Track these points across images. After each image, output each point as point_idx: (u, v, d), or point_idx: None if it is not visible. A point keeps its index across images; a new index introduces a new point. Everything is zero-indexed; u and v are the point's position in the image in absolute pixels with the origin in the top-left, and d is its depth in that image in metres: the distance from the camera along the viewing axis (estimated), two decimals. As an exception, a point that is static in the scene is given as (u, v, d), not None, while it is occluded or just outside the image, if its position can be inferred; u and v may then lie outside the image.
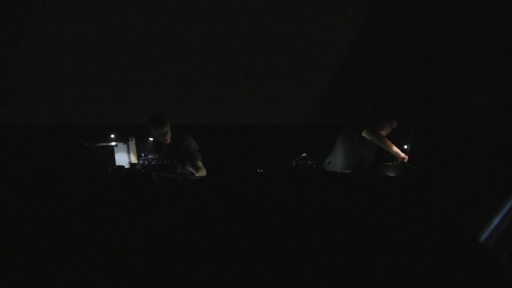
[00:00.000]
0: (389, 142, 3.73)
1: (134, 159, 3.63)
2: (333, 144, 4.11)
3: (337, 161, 3.98)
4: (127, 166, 3.47)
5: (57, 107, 4.88)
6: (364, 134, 3.82)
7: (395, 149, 3.72)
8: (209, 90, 4.93)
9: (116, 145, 3.42)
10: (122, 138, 3.63)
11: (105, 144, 3.43)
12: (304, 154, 3.62)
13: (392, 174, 3.41)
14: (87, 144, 3.44)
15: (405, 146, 3.67)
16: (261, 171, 3.41)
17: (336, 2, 4.53)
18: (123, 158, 3.56)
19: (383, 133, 3.89)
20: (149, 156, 3.51)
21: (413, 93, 4.82)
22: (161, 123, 3.84)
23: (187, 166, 3.76)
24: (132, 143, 3.69)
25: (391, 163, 3.53)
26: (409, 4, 4.55)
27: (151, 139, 3.87)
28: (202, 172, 3.88)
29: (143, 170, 3.26)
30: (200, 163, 4.00)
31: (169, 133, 3.93)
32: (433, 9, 4.54)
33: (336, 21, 4.57)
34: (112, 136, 3.64)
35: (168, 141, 3.98)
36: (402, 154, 3.69)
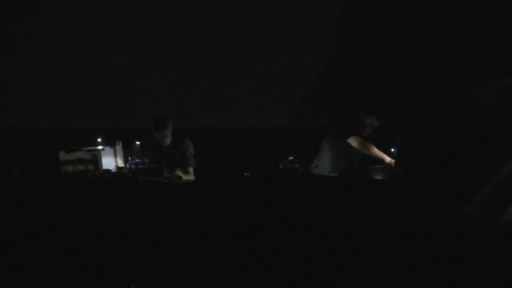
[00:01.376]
0: (374, 149, 3.76)
1: (121, 163, 3.60)
2: (319, 147, 4.11)
3: (324, 164, 3.99)
4: (114, 170, 3.45)
5: (41, 110, 4.86)
6: (349, 141, 3.84)
7: (381, 154, 3.75)
8: (193, 93, 5.00)
9: (102, 149, 3.43)
10: (109, 142, 3.60)
11: (91, 148, 3.43)
12: (291, 158, 3.56)
13: (379, 177, 3.46)
14: (73, 148, 3.43)
15: (392, 149, 3.69)
16: (248, 174, 3.43)
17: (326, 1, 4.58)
18: (110, 162, 3.55)
19: (366, 131, 3.92)
20: (136, 160, 3.47)
21: (402, 93, 4.89)
22: (164, 125, 3.88)
23: (177, 171, 3.78)
24: (119, 147, 3.65)
25: (378, 166, 3.59)
26: (406, 1, 4.62)
27: (138, 143, 3.86)
28: (190, 178, 3.89)
29: (130, 174, 3.27)
30: (191, 169, 4.02)
31: (169, 136, 3.94)
32: (430, 6, 4.63)
33: (324, 21, 4.67)
34: (99, 140, 3.58)
35: (168, 143, 3.99)
36: (388, 159, 3.71)
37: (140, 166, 3.39)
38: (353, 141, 3.80)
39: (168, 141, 3.97)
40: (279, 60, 4.84)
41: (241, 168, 3.65)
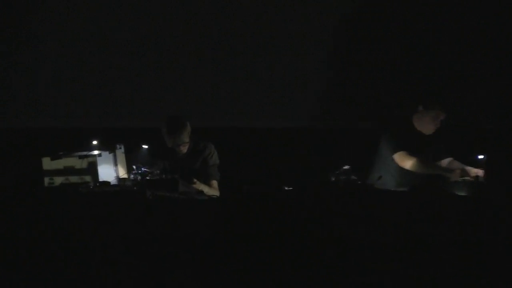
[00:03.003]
0: (433, 166, 3.50)
1: (123, 173, 3.30)
2: (377, 151, 3.72)
3: (388, 175, 3.55)
4: (113, 182, 3.16)
5: (20, 106, 4.69)
6: (396, 159, 3.49)
7: (452, 168, 3.45)
8: (210, 90, 4.91)
9: (99, 155, 3.18)
10: (107, 146, 3.33)
11: (85, 153, 3.19)
12: (346, 167, 3.14)
13: (463, 193, 3.03)
14: (61, 153, 3.22)
15: (480, 156, 3.26)
16: (290, 189, 3.03)
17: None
18: (109, 171, 3.27)
19: (430, 129, 3.53)
20: (143, 169, 3.17)
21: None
22: (179, 130, 3.54)
23: (196, 184, 3.39)
24: (121, 152, 3.35)
25: (461, 179, 3.21)
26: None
27: (145, 146, 3.52)
28: (214, 193, 3.53)
29: (134, 188, 3.02)
30: (215, 184, 3.64)
31: (187, 143, 3.62)
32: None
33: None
34: (95, 142, 3.31)
35: (185, 151, 3.65)
36: (474, 170, 3.32)
37: (148, 177, 3.13)
38: (400, 160, 3.45)
39: (185, 149, 3.63)
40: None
41: (280, 180, 3.39)
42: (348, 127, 4.85)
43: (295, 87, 4.93)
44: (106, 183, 3.03)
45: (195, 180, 3.41)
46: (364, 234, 2.31)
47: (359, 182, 3.09)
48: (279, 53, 4.84)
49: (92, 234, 2.41)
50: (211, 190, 3.53)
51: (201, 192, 3.23)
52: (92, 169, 3.12)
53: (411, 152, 3.46)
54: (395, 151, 3.47)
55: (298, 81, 4.90)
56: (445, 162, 3.58)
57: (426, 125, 3.54)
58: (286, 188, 3.08)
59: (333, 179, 3.08)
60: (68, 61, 4.72)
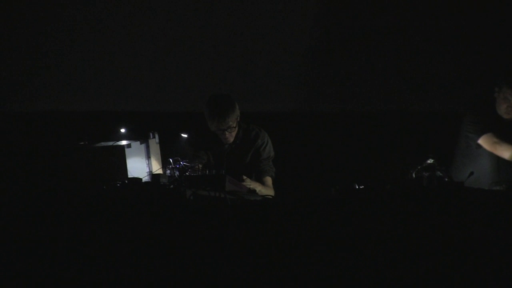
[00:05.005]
0: None
1: (157, 168, 3.11)
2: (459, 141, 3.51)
3: (481, 170, 3.29)
4: (146, 178, 2.95)
5: (35, 87, 4.49)
6: (482, 144, 3.35)
7: None
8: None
9: (128, 145, 2.92)
10: (138, 134, 3.14)
11: (111, 143, 2.96)
12: (430, 161, 2.80)
13: None
14: (82, 143, 3.00)
15: None
16: (361, 187, 2.72)
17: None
18: (140, 165, 3.06)
19: (506, 115, 3.34)
20: (182, 163, 2.93)
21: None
22: (224, 112, 3.19)
23: (246, 181, 3.08)
24: (154, 142, 3.14)
25: None
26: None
27: (184, 135, 3.30)
28: (268, 192, 3.19)
29: (171, 186, 2.69)
30: (269, 181, 3.33)
31: (233, 129, 3.26)
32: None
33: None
34: (123, 131, 3.17)
35: (231, 140, 3.30)
36: None
37: (188, 173, 2.92)
38: (486, 144, 3.29)
39: (231, 136, 3.28)
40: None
41: (349, 176, 3.21)
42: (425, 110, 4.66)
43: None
44: (137, 180, 2.67)
45: (245, 177, 3.12)
46: (456, 240, 2.13)
47: (446, 180, 2.77)
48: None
49: (119, 242, 2.22)
50: (265, 188, 3.24)
51: (253, 191, 3.05)
52: (119, 162, 2.84)
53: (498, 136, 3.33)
54: (481, 134, 3.32)
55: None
56: None
57: (500, 107, 3.35)
58: (357, 187, 2.75)
59: (414, 175, 2.79)
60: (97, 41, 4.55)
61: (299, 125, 4.64)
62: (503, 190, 3.09)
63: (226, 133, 3.23)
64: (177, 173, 2.89)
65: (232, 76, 4.69)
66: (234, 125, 3.25)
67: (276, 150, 3.51)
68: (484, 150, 3.35)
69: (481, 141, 3.30)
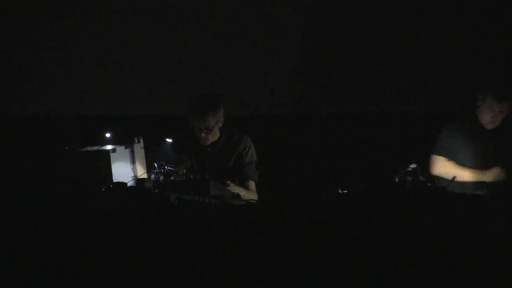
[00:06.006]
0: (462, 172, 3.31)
1: (142, 172, 3.05)
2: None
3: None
4: (131, 183, 2.90)
5: (23, 91, 4.51)
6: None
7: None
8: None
9: (113, 150, 2.91)
10: (123, 139, 3.10)
11: (96, 148, 2.95)
12: (413, 165, 2.79)
13: None
14: (67, 148, 2.99)
15: None
16: (344, 192, 2.77)
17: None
18: (125, 170, 3.00)
19: (490, 125, 3.34)
20: (167, 168, 2.93)
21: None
22: (205, 109, 3.19)
23: (230, 186, 3.07)
24: (139, 147, 3.11)
25: None
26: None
27: (169, 140, 3.27)
28: (252, 197, 3.20)
29: (156, 190, 2.74)
30: (253, 185, 3.32)
31: (212, 131, 3.25)
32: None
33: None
34: (108, 135, 3.13)
35: (207, 142, 3.29)
36: None
37: (172, 178, 2.92)
38: (435, 166, 3.38)
39: (207, 139, 3.28)
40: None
41: (333, 181, 2.93)
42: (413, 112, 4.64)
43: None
44: (121, 185, 2.70)
45: (229, 182, 3.10)
46: (437, 244, 2.14)
47: (429, 184, 2.81)
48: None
49: (103, 247, 2.22)
50: (249, 193, 3.21)
51: (237, 195, 3.00)
52: (104, 167, 2.82)
53: (448, 157, 3.38)
54: (433, 152, 3.41)
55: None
56: None
57: (483, 116, 3.34)
58: (341, 191, 2.79)
59: (397, 180, 2.78)
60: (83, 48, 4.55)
61: (288, 128, 4.59)
62: (485, 195, 3.06)
63: (202, 133, 3.22)
64: (161, 177, 2.88)
65: (220, 79, 4.65)
66: (212, 127, 3.23)
67: (262, 153, 3.50)
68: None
69: (432, 160, 3.39)
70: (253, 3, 4.63)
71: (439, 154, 3.35)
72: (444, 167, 3.30)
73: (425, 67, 4.60)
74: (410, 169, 2.79)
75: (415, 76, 4.59)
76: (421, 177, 2.74)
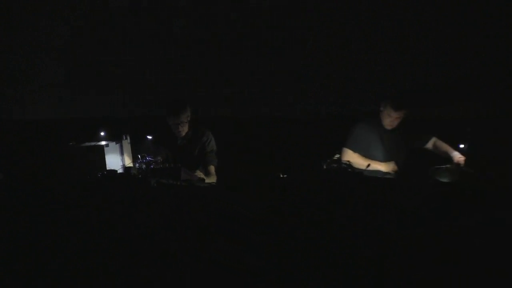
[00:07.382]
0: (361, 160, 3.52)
1: (128, 162, 3.30)
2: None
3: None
4: (120, 170, 3.12)
5: (32, 99, 4.53)
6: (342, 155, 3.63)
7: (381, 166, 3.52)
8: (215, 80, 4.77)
9: (106, 145, 3.14)
10: (114, 136, 3.34)
11: (93, 143, 3.18)
12: (337, 155, 3.29)
13: (445, 180, 3.02)
14: (70, 143, 3.19)
15: (462, 145, 3.27)
16: (284, 176, 3.03)
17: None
18: (116, 160, 3.25)
19: (387, 124, 3.60)
20: (148, 159, 3.13)
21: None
22: (179, 110, 3.55)
23: (196, 172, 3.40)
24: (127, 142, 3.36)
25: (444, 167, 3.09)
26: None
27: (149, 137, 3.50)
28: (212, 179, 3.52)
29: (139, 176, 2.98)
30: (212, 169, 3.64)
31: (185, 124, 3.62)
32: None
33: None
34: (102, 133, 3.34)
35: (182, 134, 3.66)
36: (457, 156, 3.33)
37: (152, 166, 3.08)
38: (344, 157, 3.53)
39: (182, 130, 3.63)
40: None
41: (275, 168, 3.18)
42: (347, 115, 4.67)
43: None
44: (113, 171, 3.01)
45: (195, 168, 3.39)
46: (353, 219, 2.23)
47: (349, 170, 3.07)
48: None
49: (98, 218, 2.33)
50: (209, 177, 3.52)
51: (202, 180, 3.24)
52: (100, 159, 3.12)
53: (356, 150, 3.58)
54: (344, 145, 3.62)
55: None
56: (430, 143, 3.63)
57: (384, 120, 3.63)
58: (281, 176, 3.06)
59: (325, 167, 3.11)
60: (76, 56, 4.58)
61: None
62: (392, 178, 3.38)
63: (179, 127, 3.56)
64: (144, 166, 3.13)
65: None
66: (186, 121, 3.58)
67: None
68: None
69: (343, 151, 3.60)
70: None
71: (349, 148, 3.60)
72: (352, 158, 3.50)
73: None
74: (335, 158, 3.26)
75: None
76: (344, 164, 3.06)
